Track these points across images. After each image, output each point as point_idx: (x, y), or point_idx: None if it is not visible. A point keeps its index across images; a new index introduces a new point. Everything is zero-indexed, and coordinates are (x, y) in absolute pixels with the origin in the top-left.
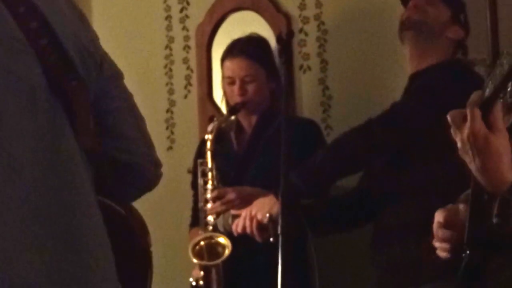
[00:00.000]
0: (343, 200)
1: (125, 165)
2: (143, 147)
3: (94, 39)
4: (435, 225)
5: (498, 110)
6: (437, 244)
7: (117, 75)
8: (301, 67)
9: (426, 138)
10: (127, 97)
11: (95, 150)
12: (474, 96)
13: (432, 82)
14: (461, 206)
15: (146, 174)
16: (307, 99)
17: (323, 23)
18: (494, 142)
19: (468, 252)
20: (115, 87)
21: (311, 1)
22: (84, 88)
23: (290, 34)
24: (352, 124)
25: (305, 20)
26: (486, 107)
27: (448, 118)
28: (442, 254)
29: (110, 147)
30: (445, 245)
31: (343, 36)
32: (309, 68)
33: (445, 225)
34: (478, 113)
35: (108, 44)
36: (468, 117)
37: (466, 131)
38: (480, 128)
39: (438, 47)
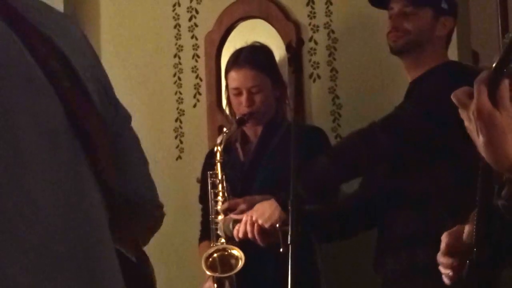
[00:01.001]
0: (345, 207)
1: (136, 206)
2: (150, 190)
3: (107, 77)
4: (439, 252)
5: (505, 88)
6: (441, 269)
7: (128, 117)
8: (311, 75)
9: (430, 144)
10: (137, 140)
11: (115, 190)
12: (482, 74)
13: (432, 86)
14: (467, 229)
15: (154, 215)
16: (316, 108)
17: (333, 31)
18: (498, 118)
19: (475, 250)
20: (128, 128)
21: (320, 10)
22: (106, 130)
23: (300, 42)
24: None
25: (315, 29)
26: (493, 85)
27: (453, 98)
28: (445, 279)
29: (123, 188)
30: (449, 272)
31: (353, 45)
32: (319, 76)
33: (448, 251)
34: (484, 89)
35: (116, 53)
36: (475, 93)
37: (471, 107)
38: (485, 103)
39: (433, 50)
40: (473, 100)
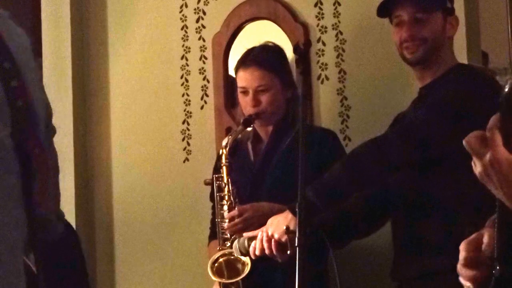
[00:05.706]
0: (357, 206)
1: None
2: (56, 201)
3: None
4: (459, 262)
5: None
6: (462, 281)
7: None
8: (319, 77)
9: (448, 150)
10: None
11: (52, 216)
12: (493, 119)
13: (446, 92)
14: (486, 239)
15: (55, 227)
16: (325, 109)
17: (341, 32)
18: None
19: (497, 267)
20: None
21: (328, 11)
22: (46, 157)
23: (308, 43)
24: (371, 134)
25: (323, 30)
26: (506, 130)
27: (465, 144)
28: None
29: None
30: (469, 285)
31: (361, 46)
32: (327, 78)
33: (468, 263)
34: (499, 137)
35: (123, 55)
36: (490, 144)
37: (488, 157)
38: (503, 154)
39: (444, 52)
40: (487, 150)
